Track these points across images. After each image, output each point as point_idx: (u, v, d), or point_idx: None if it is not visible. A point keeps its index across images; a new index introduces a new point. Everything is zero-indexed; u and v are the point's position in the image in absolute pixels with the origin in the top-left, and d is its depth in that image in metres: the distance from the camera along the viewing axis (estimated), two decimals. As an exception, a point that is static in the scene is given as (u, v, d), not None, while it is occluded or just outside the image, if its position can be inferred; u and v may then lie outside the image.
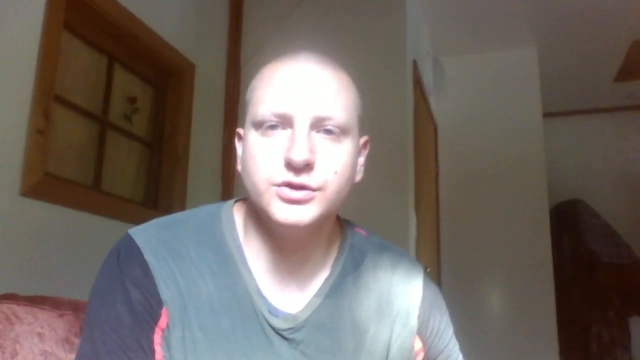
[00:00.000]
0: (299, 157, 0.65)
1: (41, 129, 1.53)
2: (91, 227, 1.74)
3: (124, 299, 0.68)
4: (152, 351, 0.68)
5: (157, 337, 0.69)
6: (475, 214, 3.23)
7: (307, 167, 0.66)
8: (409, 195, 2.38)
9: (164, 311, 0.69)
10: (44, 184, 1.55)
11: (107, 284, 0.70)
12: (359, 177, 0.76)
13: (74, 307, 1.20)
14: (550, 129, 3.67)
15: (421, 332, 0.80)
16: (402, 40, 2.48)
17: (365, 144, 0.79)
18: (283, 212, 0.66)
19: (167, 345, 0.69)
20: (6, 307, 0.99)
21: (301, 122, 0.67)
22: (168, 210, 2.14)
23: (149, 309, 0.68)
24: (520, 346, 2.98)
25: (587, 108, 4.20)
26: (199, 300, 0.71)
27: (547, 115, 3.47)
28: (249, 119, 0.72)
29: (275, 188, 0.67)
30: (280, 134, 0.68)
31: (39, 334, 1.00)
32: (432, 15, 3.01)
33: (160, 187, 2.21)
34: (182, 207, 2.19)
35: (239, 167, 0.76)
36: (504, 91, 3.35)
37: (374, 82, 2.20)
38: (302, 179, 0.66)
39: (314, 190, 0.67)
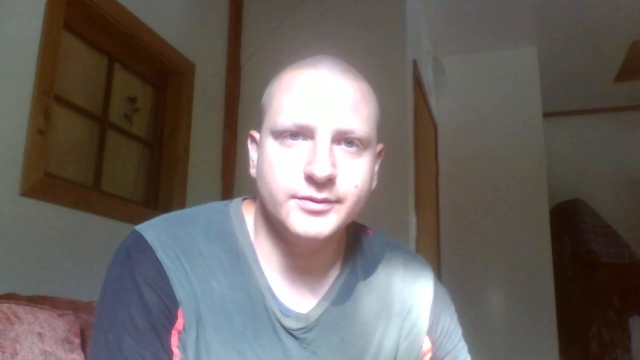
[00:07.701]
0: (321, 172, 0.63)
1: (41, 129, 1.53)
2: (91, 227, 1.74)
3: (139, 302, 0.66)
4: (171, 354, 0.67)
5: (175, 340, 0.67)
6: (475, 213, 3.23)
7: (329, 181, 0.65)
8: (409, 195, 2.38)
9: (180, 312, 0.67)
10: (44, 184, 1.55)
11: (119, 285, 0.67)
12: (374, 185, 0.75)
13: (74, 307, 1.20)
14: (550, 129, 3.67)
15: (431, 332, 0.81)
16: (402, 40, 2.48)
17: (380, 152, 0.77)
18: (303, 225, 0.66)
19: (184, 347, 0.67)
20: (6, 307, 0.99)
21: (323, 134, 0.65)
22: (168, 211, 2.11)
23: (166, 311, 0.66)
24: (520, 346, 2.98)
25: (587, 108, 4.20)
26: (212, 300, 0.69)
27: (547, 115, 3.47)
28: (266, 126, 0.69)
29: (297, 200, 0.66)
30: (301, 145, 0.66)
31: (39, 334, 1.00)
32: (432, 15, 3.01)
33: (160, 187, 2.21)
34: (182, 207, 2.16)
35: (252, 171, 0.75)
36: (504, 91, 3.34)
37: (374, 82, 2.19)
38: (324, 193, 0.65)
39: (333, 202, 0.66)
